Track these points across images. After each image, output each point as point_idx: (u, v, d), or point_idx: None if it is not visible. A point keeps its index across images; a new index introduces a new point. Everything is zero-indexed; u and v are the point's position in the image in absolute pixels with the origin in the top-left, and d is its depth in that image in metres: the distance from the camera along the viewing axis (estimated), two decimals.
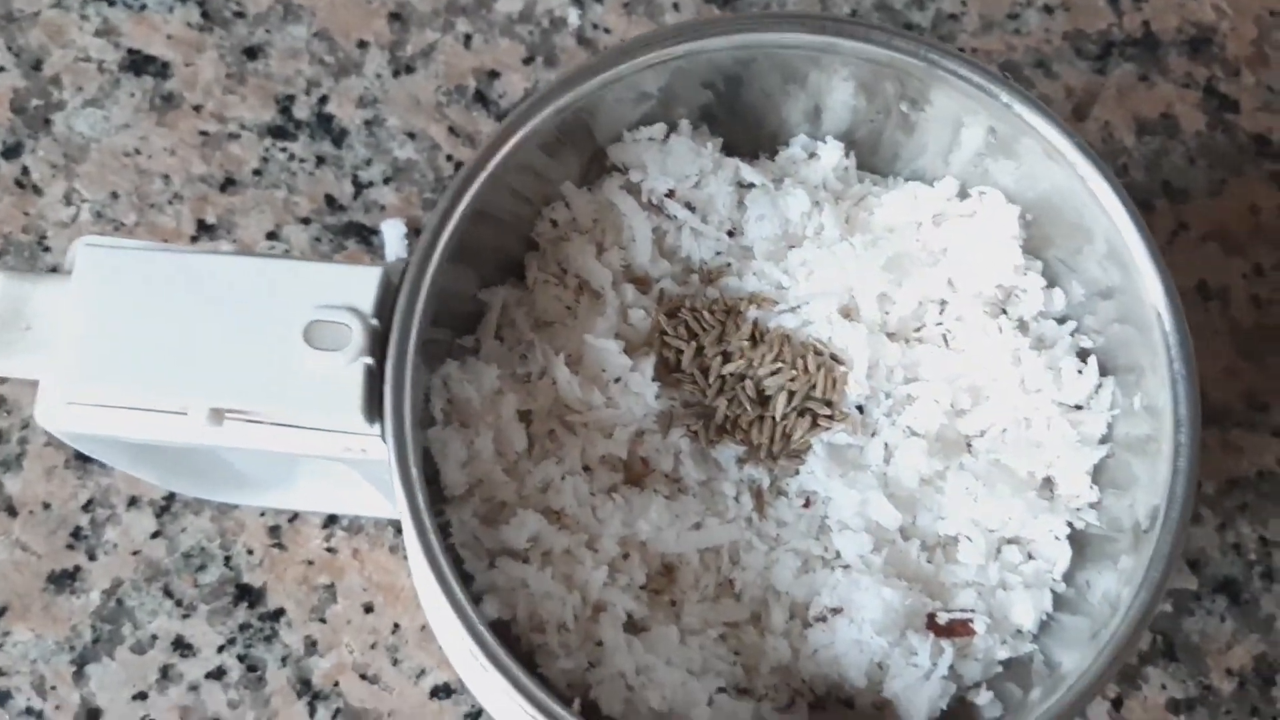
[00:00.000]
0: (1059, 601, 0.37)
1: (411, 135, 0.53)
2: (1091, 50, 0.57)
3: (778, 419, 0.38)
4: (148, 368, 0.32)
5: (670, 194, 0.39)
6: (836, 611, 0.36)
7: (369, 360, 0.32)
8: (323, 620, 0.48)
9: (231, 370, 0.32)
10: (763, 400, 0.38)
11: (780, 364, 0.38)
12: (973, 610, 0.36)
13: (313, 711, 0.47)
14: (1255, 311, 0.54)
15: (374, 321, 0.32)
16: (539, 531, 0.36)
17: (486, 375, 0.37)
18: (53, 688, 0.47)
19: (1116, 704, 0.50)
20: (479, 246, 0.38)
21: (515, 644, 0.35)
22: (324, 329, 0.32)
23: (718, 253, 0.39)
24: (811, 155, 0.41)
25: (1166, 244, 0.55)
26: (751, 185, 0.40)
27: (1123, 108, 0.56)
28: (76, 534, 0.48)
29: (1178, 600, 0.51)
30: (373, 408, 0.33)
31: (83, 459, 0.49)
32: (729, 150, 0.41)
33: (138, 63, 0.53)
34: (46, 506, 0.49)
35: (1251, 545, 0.52)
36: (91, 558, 0.48)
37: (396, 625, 0.48)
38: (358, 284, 0.33)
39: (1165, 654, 0.50)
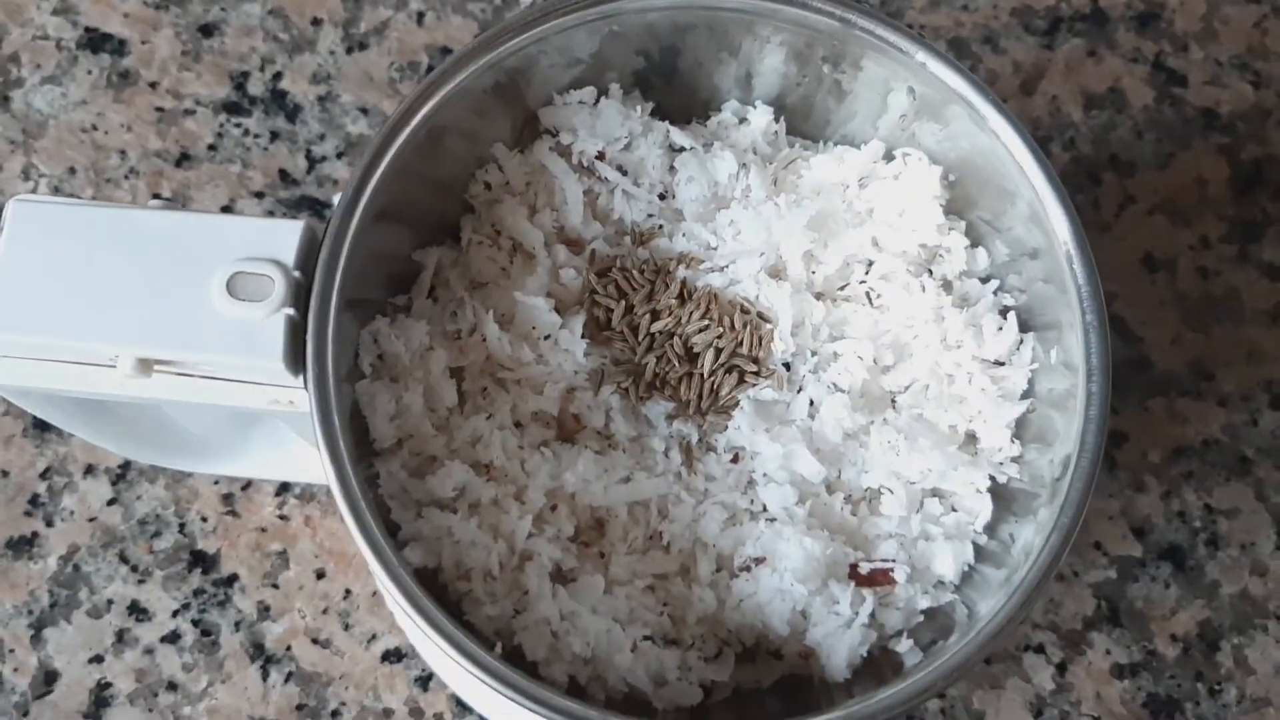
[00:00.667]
0: (982, 554, 0.38)
1: (364, 110, 0.53)
2: (1040, 26, 0.57)
3: (705, 375, 0.39)
4: (75, 319, 0.33)
5: (600, 156, 0.40)
6: (760, 561, 0.37)
7: (291, 311, 0.33)
8: (275, 586, 0.49)
9: (156, 320, 0.33)
10: (691, 357, 0.39)
11: (707, 321, 0.39)
12: (894, 560, 0.37)
13: (265, 675, 0.48)
14: (1202, 282, 0.55)
15: (296, 274, 0.33)
16: (466, 482, 0.36)
17: (416, 331, 0.37)
18: (11, 651, 0.48)
19: (1061, 668, 0.50)
20: (413, 207, 0.38)
21: (443, 592, 0.36)
22: (247, 280, 0.33)
23: (649, 214, 0.40)
24: (742, 120, 0.42)
25: (1114, 217, 0.55)
26: (682, 149, 0.40)
27: (1070, 82, 0.57)
28: (34, 501, 0.49)
29: (1122, 567, 0.51)
30: (296, 358, 0.33)
31: (41, 427, 0.50)
32: (664, 115, 0.41)
33: (95, 41, 0.54)
34: (4, 474, 0.49)
35: (1197, 513, 0.52)
36: (49, 524, 0.49)
37: (348, 591, 0.49)
38: (281, 238, 0.34)
39: (1110, 619, 0.51)
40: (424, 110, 0.36)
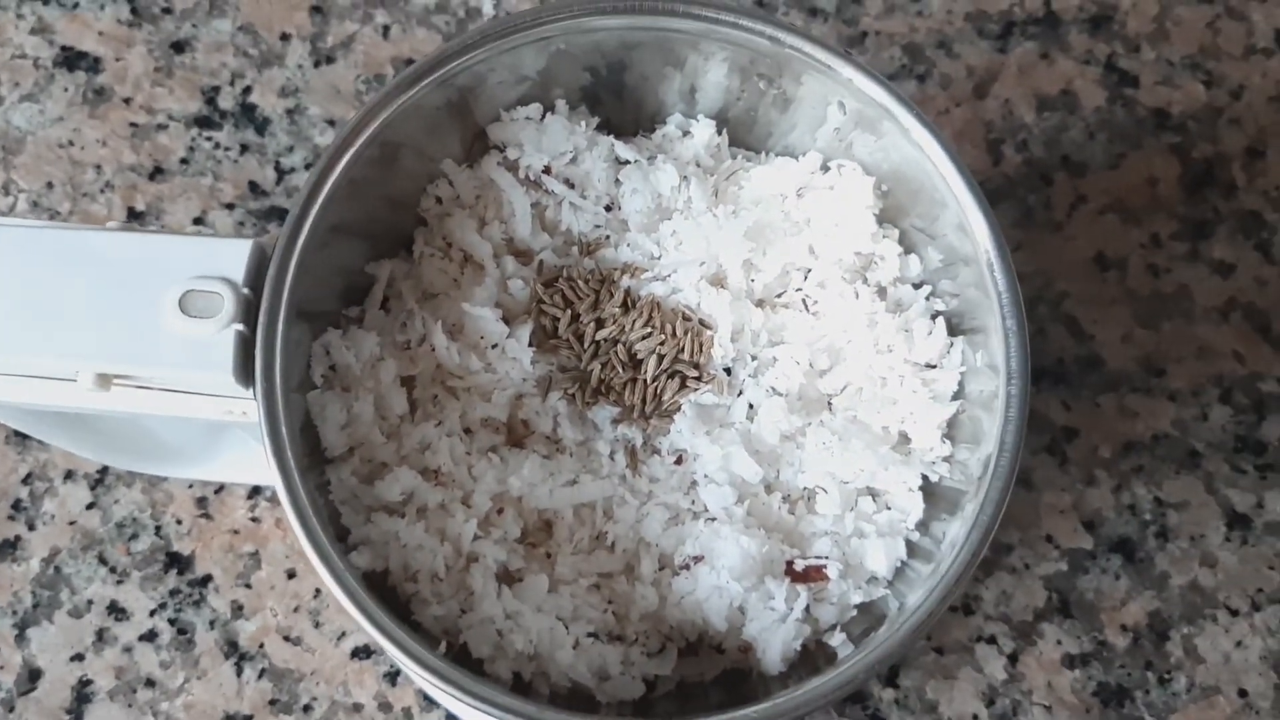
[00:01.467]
0: (915, 550, 0.39)
1: (331, 123, 0.55)
2: (993, 30, 0.59)
3: (649, 381, 0.40)
4: (34, 336, 0.35)
5: (547, 170, 0.41)
6: (698, 560, 0.39)
7: (240, 326, 0.35)
8: (248, 586, 0.51)
9: (112, 337, 0.34)
10: (635, 364, 0.41)
11: (650, 329, 0.40)
12: (827, 557, 0.38)
13: (240, 671, 0.50)
14: (1153, 280, 0.56)
15: (245, 290, 0.35)
16: (414, 487, 0.38)
17: (367, 342, 0.39)
18: None
19: (1013, 659, 0.52)
20: (367, 222, 0.40)
21: (391, 594, 0.37)
22: (198, 298, 0.35)
23: (596, 226, 0.42)
24: (686, 133, 0.43)
25: (1066, 217, 0.57)
26: (627, 162, 0.42)
27: (1023, 85, 0.58)
28: (16, 506, 0.51)
29: (1073, 559, 0.53)
30: (246, 371, 0.35)
31: (21, 436, 0.52)
32: (611, 128, 0.43)
33: (71, 58, 0.55)
34: None
35: (1147, 506, 0.54)
36: (31, 528, 0.51)
37: (318, 590, 0.51)
38: (230, 256, 0.35)
39: (1060, 610, 0.52)
40: (373, 126, 0.37)
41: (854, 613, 0.39)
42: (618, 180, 0.42)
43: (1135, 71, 0.58)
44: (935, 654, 0.52)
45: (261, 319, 0.35)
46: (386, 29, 0.56)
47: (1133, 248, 0.56)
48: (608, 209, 0.42)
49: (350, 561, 0.35)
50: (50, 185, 0.54)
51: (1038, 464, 0.54)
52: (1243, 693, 0.51)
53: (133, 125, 0.55)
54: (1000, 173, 0.57)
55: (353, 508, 0.38)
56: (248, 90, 0.55)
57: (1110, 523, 0.53)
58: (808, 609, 0.38)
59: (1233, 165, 0.57)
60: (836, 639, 0.38)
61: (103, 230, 0.36)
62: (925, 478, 0.40)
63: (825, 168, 0.42)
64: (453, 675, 0.33)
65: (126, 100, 0.55)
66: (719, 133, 0.43)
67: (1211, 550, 0.53)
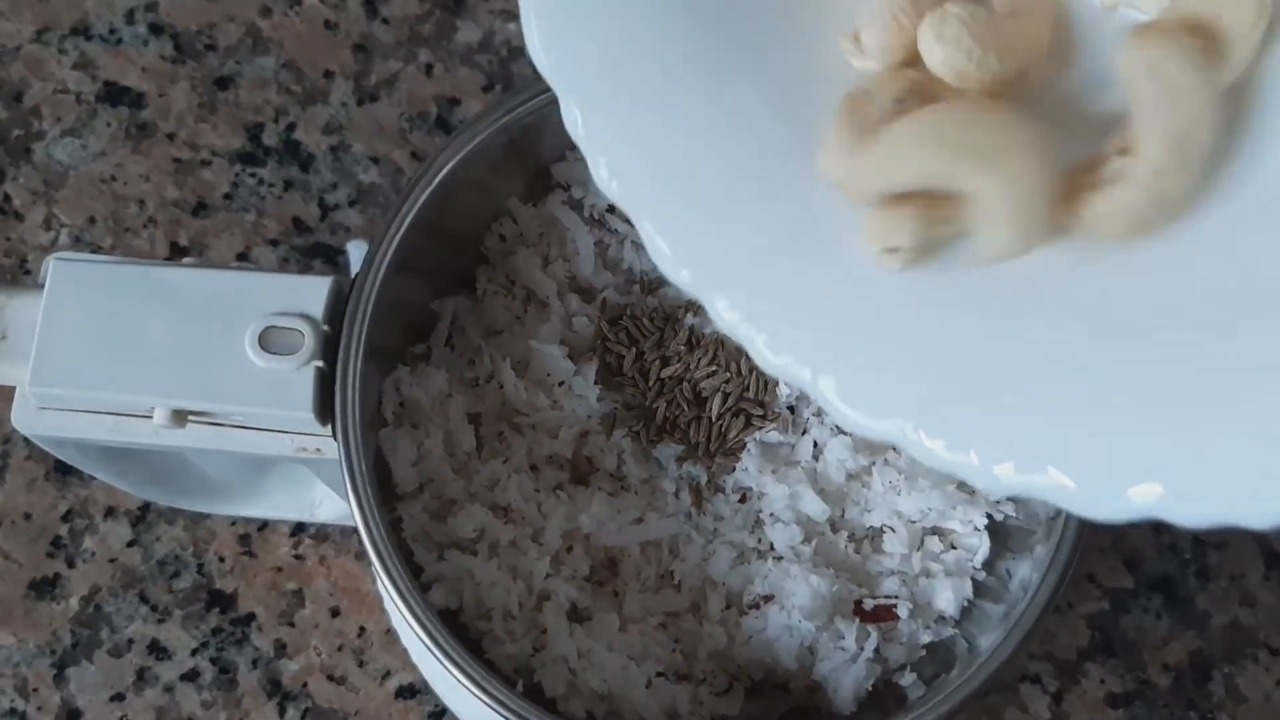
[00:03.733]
0: (981, 589, 0.40)
1: (375, 160, 0.55)
2: None
3: (714, 419, 0.40)
4: (114, 373, 0.34)
5: (611, 209, 0.41)
6: (768, 599, 0.38)
7: (320, 363, 0.35)
8: (291, 624, 0.50)
9: (191, 374, 0.34)
10: (699, 401, 0.41)
11: (715, 367, 0.40)
12: (896, 596, 0.39)
13: (282, 711, 0.49)
14: None
15: (325, 327, 0.35)
16: (485, 525, 0.38)
17: (435, 379, 0.39)
18: (35, 690, 0.49)
19: (1057, 698, 0.52)
20: (431, 259, 0.40)
21: (464, 631, 0.37)
22: (278, 335, 0.35)
23: None
24: None
25: None
26: None
27: None
28: (56, 543, 0.51)
29: (1115, 598, 0.53)
30: (324, 408, 0.35)
31: (62, 471, 0.51)
32: None
33: (114, 94, 0.55)
34: (28, 517, 0.51)
35: (1186, 545, 0.54)
36: (71, 565, 0.50)
37: (362, 629, 0.50)
38: (310, 293, 0.35)
39: (1103, 650, 0.52)
40: (444, 171, 0.37)
41: (923, 652, 0.39)
42: None
43: None
44: (976, 699, 0.51)
45: (341, 355, 0.35)
46: (430, 67, 0.57)
47: None
48: None
49: (429, 599, 0.35)
50: (93, 220, 0.54)
51: None
52: None
53: (176, 161, 0.55)
54: None
55: (424, 545, 0.38)
56: (291, 127, 0.55)
57: (1151, 561, 0.54)
58: (877, 649, 0.38)
59: None
60: (907, 679, 0.38)
61: (181, 266, 0.36)
62: (990, 517, 0.40)
63: None
64: (533, 714, 0.33)
65: (170, 136, 0.55)
66: None
67: (1251, 589, 0.53)
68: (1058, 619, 0.53)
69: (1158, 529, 0.54)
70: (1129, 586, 0.53)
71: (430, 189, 0.37)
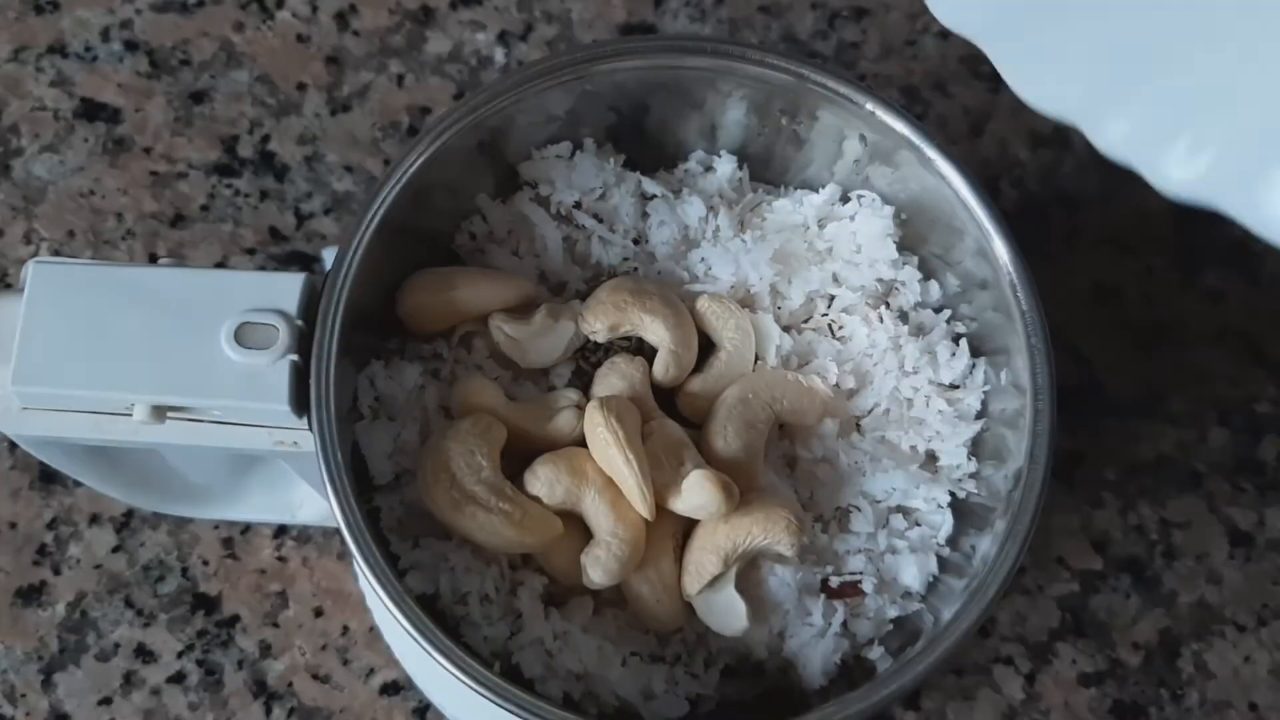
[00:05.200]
0: (945, 565, 0.41)
1: (349, 169, 0.56)
2: (986, 71, 0.61)
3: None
4: (94, 370, 0.35)
5: (577, 205, 0.43)
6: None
7: (295, 357, 0.36)
8: (275, 625, 0.51)
9: (169, 370, 0.35)
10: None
11: None
12: (861, 573, 0.40)
13: (268, 711, 0.50)
14: (1149, 308, 0.58)
15: (299, 322, 0.36)
16: None
17: (409, 373, 0.40)
18: (23, 695, 0.50)
19: (1030, 679, 0.53)
20: (405, 258, 0.41)
21: (441, 618, 0.38)
22: (254, 330, 0.35)
23: (625, 258, 0.43)
24: (707, 169, 0.45)
25: (1062, 250, 0.59)
26: (653, 196, 0.43)
27: (1017, 123, 0.60)
28: (42, 551, 0.51)
29: (1084, 580, 0.54)
30: (300, 401, 0.36)
31: (46, 479, 0.52)
32: (634, 166, 0.44)
33: (90, 110, 0.56)
34: (13, 526, 0.51)
35: (1153, 526, 0.55)
36: (56, 572, 0.51)
37: (345, 628, 0.51)
38: (284, 289, 0.36)
39: (1074, 630, 0.54)
40: (411, 169, 0.38)
41: (890, 627, 0.40)
42: (644, 214, 0.43)
43: None
44: (955, 676, 0.53)
45: (315, 349, 0.36)
46: (401, 78, 0.58)
47: (1128, 278, 0.58)
48: (635, 242, 0.43)
49: (406, 585, 0.36)
50: (72, 234, 0.55)
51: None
52: (1253, 706, 0.53)
53: (153, 174, 0.56)
54: (998, 208, 0.59)
55: (400, 535, 0.39)
56: (266, 139, 0.56)
57: (1118, 543, 0.55)
58: (845, 624, 0.39)
59: None
60: (875, 653, 0.39)
61: (158, 267, 0.37)
62: (953, 495, 0.41)
63: (845, 199, 0.44)
64: (519, 697, 0.34)
65: (147, 150, 0.56)
66: (740, 167, 0.44)
67: (1217, 568, 0.55)
68: (1028, 601, 0.54)
69: (1125, 511, 0.55)
70: (1097, 568, 0.54)
71: (399, 188, 0.38)
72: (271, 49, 0.58)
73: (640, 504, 0.37)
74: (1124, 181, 0.60)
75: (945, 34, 0.61)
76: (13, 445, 0.52)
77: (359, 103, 0.57)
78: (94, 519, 0.52)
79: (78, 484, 0.52)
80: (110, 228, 0.55)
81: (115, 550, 0.52)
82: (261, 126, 0.57)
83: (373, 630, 0.51)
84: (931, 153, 0.40)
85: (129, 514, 0.52)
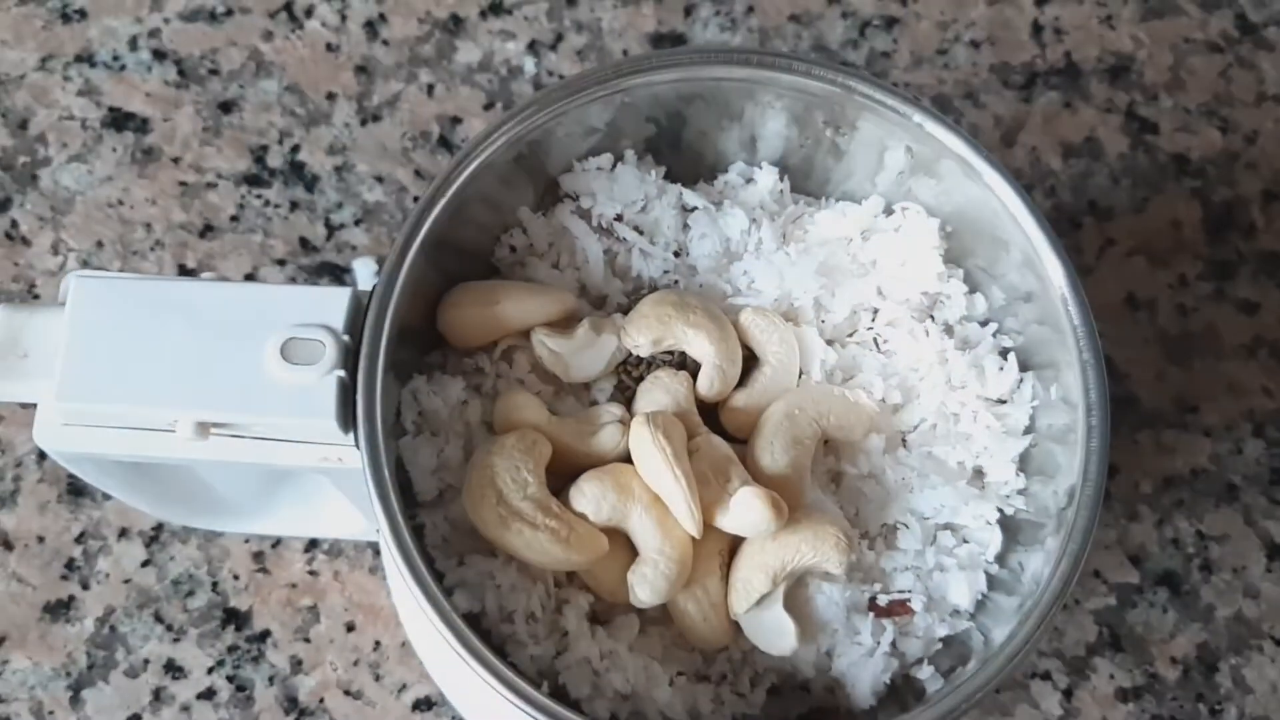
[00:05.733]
0: (994, 582, 0.40)
1: (379, 179, 0.56)
2: (1017, 81, 0.60)
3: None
4: (136, 387, 0.35)
5: (619, 218, 0.42)
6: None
7: (341, 373, 0.35)
8: (307, 640, 0.51)
9: (214, 386, 0.35)
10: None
11: None
12: (910, 591, 0.39)
13: None
14: (1181, 320, 0.58)
15: (345, 338, 0.35)
16: None
17: (452, 388, 0.39)
18: (51, 713, 0.49)
19: (1067, 694, 0.52)
20: (445, 272, 0.41)
21: (487, 637, 0.37)
22: (300, 345, 0.35)
23: (665, 271, 0.42)
24: (748, 180, 0.44)
25: (1095, 259, 0.58)
26: (694, 208, 0.43)
27: (1048, 134, 0.60)
28: (70, 565, 0.51)
29: (1121, 594, 0.54)
30: (347, 416, 0.35)
31: (75, 493, 0.51)
32: (673, 178, 0.44)
33: (118, 119, 0.56)
34: (41, 540, 0.51)
35: (1189, 539, 0.55)
36: (85, 587, 0.51)
37: (378, 643, 0.51)
38: (330, 304, 0.36)
39: (1111, 645, 0.53)
40: (455, 185, 0.38)
41: (939, 646, 0.39)
42: (685, 226, 0.43)
43: (1154, 119, 0.60)
44: (992, 691, 0.52)
45: (362, 364, 0.35)
46: (431, 88, 0.57)
47: (1161, 288, 0.58)
48: (676, 255, 0.43)
49: (453, 603, 0.35)
50: (100, 244, 0.54)
51: None
52: None
53: (182, 184, 0.55)
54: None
55: (444, 552, 0.38)
56: (296, 149, 0.56)
57: (1155, 557, 0.54)
58: (894, 643, 0.39)
59: (1251, 208, 0.59)
60: (924, 672, 0.39)
61: (201, 281, 0.36)
62: (1001, 511, 0.40)
63: (889, 211, 0.43)
64: (566, 717, 0.34)
65: (175, 160, 0.56)
66: (780, 179, 0.44)
67: (1254, 581, 0.54)
68: (1066, 616, 0.53)
69: (1161, 524, 0.54)
70: (1134, 582, 0.54)
71: (442, 204, 0.38)
72: (300, 58, 0.57)
73: (688, 521, 0.36)
74: (1157, 192, 0.60)
75: (976, 43, 0.61)
76: (41, 457, 0.52)
77: (389, 112, 0.57)
78: (123, 533, 0.51)
79: (106, 497, 0.51)
80: (139, 238, 0.55)
81: (145, 564, 0.51)
82: (291, 136, 0.56)
83: (405, 645, 0.51)
84: (979, 163, 0.39)
85: (158, 528, 0.51)
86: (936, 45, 0.60)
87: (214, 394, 0.35)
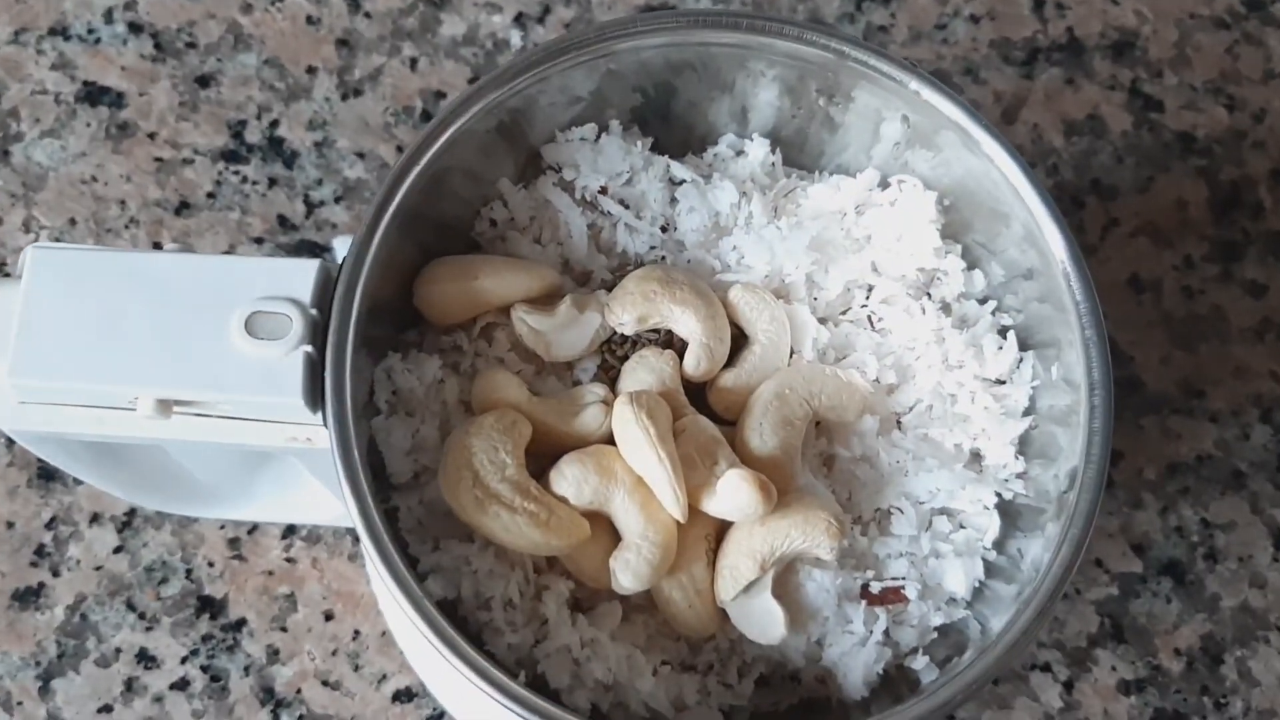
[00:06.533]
0: (992, 570, 0.39)
1: (361, 155, 0.54)
2: (1018, 56, 0.59)
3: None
4: (93, 362, 0.33)
5: (603, 190, 0.40)
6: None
7: (309, 348, 0.34)
8: (284, 629, 0.49)
9: (176, 361, 0.33)
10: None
11: None
12: (904, 578, 0.37)
13: (276, 719, 0.48)
14: (1187, 302, 0.56)
15: (313, 312, 0.34)
16: None
17: (429, 366, 0.38)
18: (19, 703, 0.48)
19: (1068, 686, 0.51)
20: (423, 247, 0.39)
21: (463, 625, 0.36)
22: (265, 320, 0.33)
23: (652, 246, 0.41)
24: (739, 153, 0.43)
25: (1098, 240, 0.57)
26: (682, 181, 0.41)
27: (1050, 110, 0.58)
28: (40, 551, 0.49)
29: (1123, 583, 0.52)
30: (314, 394, 0.34)
31: (45, 478, 0.50)
32: (661, 151, 0.42)
33: (93, 94, 0.54)
34: (10, 525, 0.49)
35: (1194, 527, 0.53)
36: (55, 574, 0.49)
37: (357, 632, 0.49)
38: (297, 277, 0.34)
39: (1114, 636, 0.52)
40: (430, 153, 0.36)
41: (934, 635, 0.38)
42: (673, 200, 0.41)
43: (1159, 96, 0.59)
44: (991, 684, 0.50)
45: (331, 339, 0.34)
46: (414, 61, 0.56)
47: (1166, 270, 0.56)
48: (663, 229, 0.41)
49: (426, 589, 0.34)
50: (73, 221, 0.53)
51: None
52: None
53: (157, 160, 0.54)
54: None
55: (419, 536, 0.37)
56: (275, 124, 0.54)
57: (1159, 545, 0.53)
58: (887, 632, 0.37)
59: (1259, 187, 0.58)
60: (919, 663, 0.37)
61: (163, 253, 0.34)
62: (1000, 496, 0.39)
63: (884, 184, 0.42)
64: (541, 707, 0.32)
65: (151, 135, 0.54)
66: (772, 151, 0.42)
67: (1260, 571, 0.53)
68: (1066, 606, 0.52)
69: (1165, 512, 0.53)
70: (1137, 571, 0.52)
71: (416, 173, 0.36)
72: (280, 31, 0.56)
73: (672, 505, 0.35)
74: (1162, 171, 0.58)
75: (976, 18, 0.59)
76: (10, 441, 0.50)
77: (371, 87, 0.55)
78: (95, 518, 0.50)
79: (78, 482, 0.50)
80: (113, 215, 0.53)
81: (117, 551, 0.50)
82: (270, 111, 0.55)
83: (385, 635, 0.49)
84: (978, 132, 0.38)
85: (131, 513, 0.50)
86: (935, 20, 0.59)
87: (175, 370, 0.33)
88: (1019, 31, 0.59)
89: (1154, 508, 0.53)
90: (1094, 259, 0.56)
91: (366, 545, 0.33)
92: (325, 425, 0.34)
